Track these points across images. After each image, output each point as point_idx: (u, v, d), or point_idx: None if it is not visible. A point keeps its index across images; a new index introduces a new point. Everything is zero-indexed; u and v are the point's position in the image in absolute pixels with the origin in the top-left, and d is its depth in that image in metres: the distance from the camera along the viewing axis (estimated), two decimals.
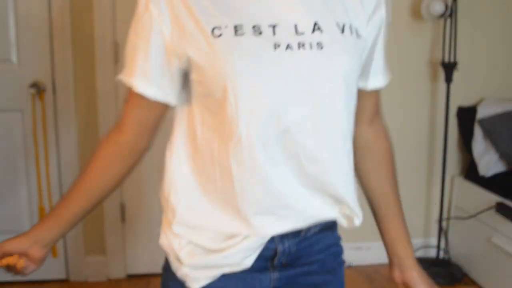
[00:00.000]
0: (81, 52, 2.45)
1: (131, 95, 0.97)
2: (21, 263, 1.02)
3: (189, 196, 0.98)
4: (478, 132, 2.64)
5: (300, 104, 0.91)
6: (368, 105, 1.07)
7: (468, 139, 2.69)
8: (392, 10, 2.62)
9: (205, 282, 1.00)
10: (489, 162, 2.59)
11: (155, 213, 2.60)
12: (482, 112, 2.63)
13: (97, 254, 2.63)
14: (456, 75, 2.63)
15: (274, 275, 1.04)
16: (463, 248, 2.74)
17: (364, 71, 1.03)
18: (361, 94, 1.03)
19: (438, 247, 2.72)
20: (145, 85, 0.94)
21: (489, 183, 2.55)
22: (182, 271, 1.00)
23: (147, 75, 0.94)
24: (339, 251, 1.13)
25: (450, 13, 2.50)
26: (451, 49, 2.57)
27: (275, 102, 0.90)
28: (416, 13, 2.63)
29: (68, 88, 2.46)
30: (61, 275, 2.61)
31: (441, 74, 2.68)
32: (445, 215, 2.81)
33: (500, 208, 2.40)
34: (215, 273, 1.00)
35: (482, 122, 2.61)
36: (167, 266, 1.05)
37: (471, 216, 2.61)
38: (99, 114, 2.50)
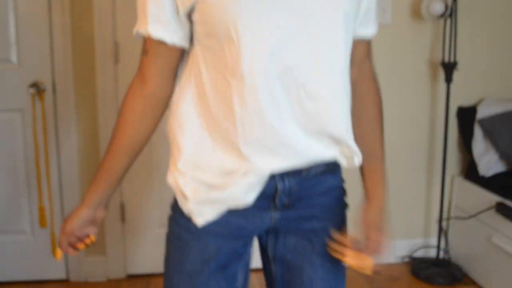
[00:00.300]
0: (81, 52, 2.45)
1: (149, 45, 1.01)
2: (93, 238, 1.16)
3: (195, 136, 1.02)
4: (478, 132, 2.64)
5: (301, 42, 0.94)
6: (357, 51, 1.09)
7: (468, 139, 2.69)
8: (392, 10, 2.62)
9: (210, 217, 1.05)
10: (489, 162, 2.59)
11: (155, 213, 2.60)
12: (482, 112, 2.63)
13: (97, 254, 2.62)
14: (456, 75, 2.63)
15: (275, 214, 1.08)
16: (463, 248, 2.74)
17: (360, 17, 1.06)
18: (354, 43, 1.06)
19: (438, 247, 2.72)
20: (161, 31, 0.98)
21: (489, 183, 2.55)
22: (187, 207, 1.05)
23: (162, 21, 0.98)
24: (341, 195, 1.16)
25: (450, 13, 2.50)
26: (451, 49, 2.57)
27: (276, 40, 0.93)
28: (416, 13, 2.63)
29: (68, 88, 2.46)
30: (61, 275, 2.61)
31: (441, 74, 2.68)
32: (445, 215, 2.81)
33: (500, 208, 2.40)
34: (219, 209, 1.04)
35: (482, 122, 2.61)
36: (175, 203, 1.10)
37: (471, 216, 2.61)
38: (99, 114, 2.50)
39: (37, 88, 2.42)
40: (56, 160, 2.50)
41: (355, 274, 2.70)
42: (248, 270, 1.16)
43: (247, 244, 1.13)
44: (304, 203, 1.09)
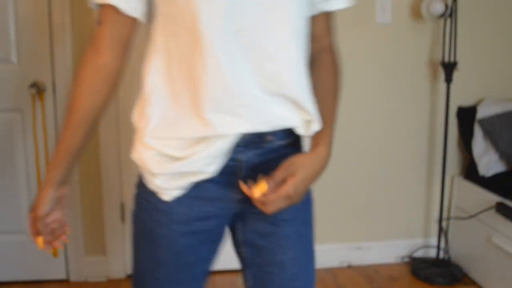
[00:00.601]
0: (81, 52, 2.45)
1: (105, 15, 1.05)
2: (68, 231, 1.18)
3: (162, 106, 1.05)
4: (478, 132, 2.64)
5: (254, 4, 0.99)
6: (318, 25, 1.14)
7: (468, 139, 2.69)
8: (392, 10, 2.62)
9: (176, 193, 1.08)
10: (489, 162, 2.59)
11: None
12: (482, 112, 2.63)
13: (97, 254, 2.62)
14: (456, 75, 2.63)
15: (238, 194, 1.10)
16: (463, 248, 2.74)
17: None
18: (317, 17, 1.12)
19: (438, 247, 2.72)
20: None
21: (489, 183, 2.55)
22: (154, 183, 1.08)
23: None
24: None
25: (450, 13, 2.50)
26: (451, 49, 2.57)
27: (231, 3, 0.97)
28: (416, 13, 2.63)
29: (68, 88, 2.46)
30: (61, 275, 2.61)
31: (441, 74, 2.68)
32: (445, 215, 2.81)
33: (500, 208, 2.40)
34: (184, 183, 1.07)
35: (482, 122, 2.61)
36: (140, 183, 1.14)
37: (471, 216, 2.61)
38: None
39: (37, 88, 2.42)
40: None
41: (355, 274, 2.71)
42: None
43: (215, 249, 1.18)
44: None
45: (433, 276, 2.62)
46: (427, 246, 2.87)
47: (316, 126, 1.09)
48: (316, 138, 1.11)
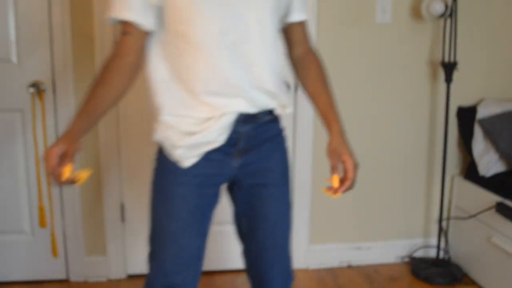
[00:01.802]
0: (81, 52, 2.45)
1: (128, 28, 1.34)
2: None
3: (170, 95, 1.37)
4: (478, 132, 2.64)
5: (242, 24, 1.32)
6: (295, 33, 1.52)
7: (468, 139, 2.69)
8: (392, 10, 2.62)
9: (194, 160, 1.39)
10: (489, 162, 2.60)
11: None
12: (482, 112, 2.63)
13: (97, 254, 2.62)
14: (456, 75, 2.63)
15: (237, 161, 1.44)
16: (463, 248, 2.74)
17: (289, 9, 1.45)
18: (291, 27, 1.50)
19: (438, 247, 2.72)
20: (140, 17, 1.33)
21: (489, 183, 2.55)
22: (176, 153, 1.38)
23: (139, 10, 1.32)
24: (282, 140, 1.54)
25: (450, 13, 2.50)
26: (451, 49, 2.57)
27: (224, 23, 1.30)
28: (416, 13, 2.63)
29: (68, 88, 2.46)
30: (61, 275, 2.61)
31: (441, 74, 2.68)
32: (445, 215, 2.81)
33: (500, 208, 2.40)
34: (200, 151, 1.39)
35: (482, 122, 2.62)
36: (159, 158, 1.45)
37: (471, 216, 2.62)
38: None
39: (37, 88, 2.42)
40: None
41: (355, 274, 2.71)
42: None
43: (213, 212, 1.50)
44: (256, 151, 1.45)
45: (433, 276, 2.63)
46: (427, 246, 2.87)
47: (289, 109, 1.48)
48: (328, 121, 1.48)
